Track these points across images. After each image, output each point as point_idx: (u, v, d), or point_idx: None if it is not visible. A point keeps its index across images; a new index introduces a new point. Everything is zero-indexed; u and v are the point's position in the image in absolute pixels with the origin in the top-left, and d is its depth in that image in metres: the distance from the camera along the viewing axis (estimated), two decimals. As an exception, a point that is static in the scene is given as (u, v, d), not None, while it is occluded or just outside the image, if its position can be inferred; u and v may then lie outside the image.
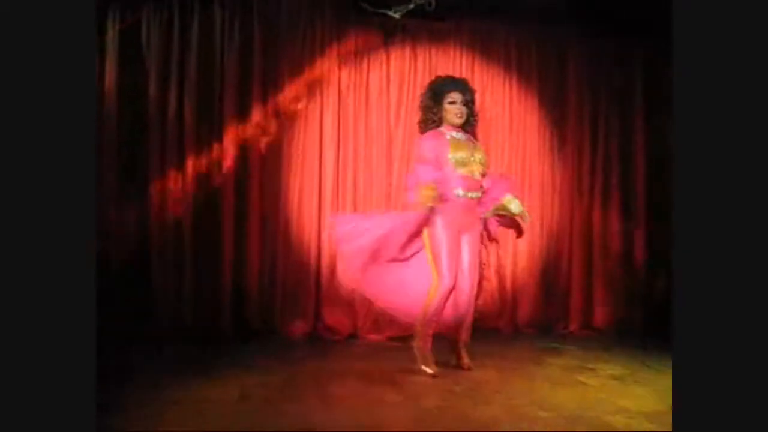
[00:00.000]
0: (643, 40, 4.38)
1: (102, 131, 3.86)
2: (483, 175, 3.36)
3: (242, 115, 4.01)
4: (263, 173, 4.07)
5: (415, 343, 3.31)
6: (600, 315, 4.51)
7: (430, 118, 3.39)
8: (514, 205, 3.34)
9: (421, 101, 3.47)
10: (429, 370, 3.29)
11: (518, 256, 4.37)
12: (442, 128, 3.36)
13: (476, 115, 3.48)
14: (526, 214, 3.39)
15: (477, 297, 3.43)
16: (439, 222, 3.30)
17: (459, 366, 3.41)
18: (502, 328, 4.35)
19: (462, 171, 3.30)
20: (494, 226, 3.42)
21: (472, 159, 3.34)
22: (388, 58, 4.21)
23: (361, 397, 2.94)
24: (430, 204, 3.13)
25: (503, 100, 4.31)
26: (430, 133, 3.36)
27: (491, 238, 3.45)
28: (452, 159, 3.30)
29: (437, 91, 3.37)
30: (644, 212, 4.52)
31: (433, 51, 4.26)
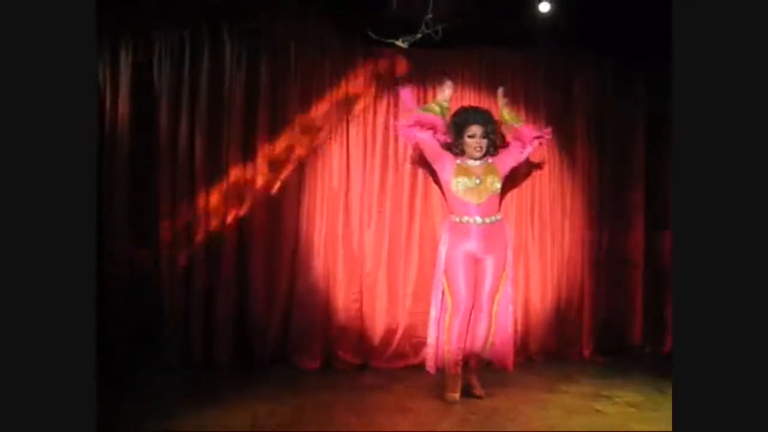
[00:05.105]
0: (645, 63, 4.41)
1: (114, 162, 3.90)
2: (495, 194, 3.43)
3: (249, 147, 4.04)
4: (272, 205, 4.08)
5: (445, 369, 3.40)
6: (614, 340, 4.43)
7: (452, 149, 3.49)
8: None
9: (446, 131, 3.52)
10: (449, 396, 3.29)
11: (530, 282, 4.32)
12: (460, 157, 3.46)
13: (499, 145, 3.56)
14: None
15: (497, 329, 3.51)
16: (451, 246, 3.41)
17: (471, 394, 3.38)
18: (515, 356, 4.29)
19: (466, 198, 3.38)
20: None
21: (480, 185, 3.38)
22: (395, 85, 4.24)
23: (372, 426, 2.91)
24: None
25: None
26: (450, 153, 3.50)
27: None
28: (454, 185, 3.39)
29: (459, 124, 3.45)
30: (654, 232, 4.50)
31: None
